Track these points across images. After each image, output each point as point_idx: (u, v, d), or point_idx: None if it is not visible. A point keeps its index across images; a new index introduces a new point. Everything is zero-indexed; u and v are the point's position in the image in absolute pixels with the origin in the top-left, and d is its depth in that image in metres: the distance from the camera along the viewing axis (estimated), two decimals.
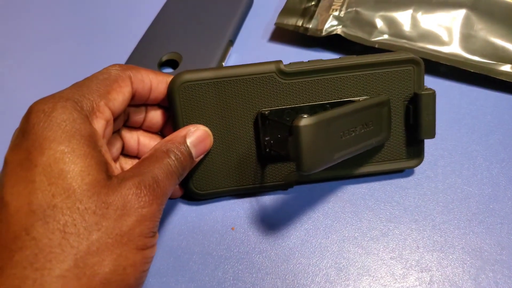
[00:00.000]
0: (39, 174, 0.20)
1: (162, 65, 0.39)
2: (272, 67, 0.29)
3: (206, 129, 0.28)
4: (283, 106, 0.29)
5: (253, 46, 0.42)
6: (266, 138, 0.29)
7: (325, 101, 0.29)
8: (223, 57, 0.39)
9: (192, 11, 0.42)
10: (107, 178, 0.21)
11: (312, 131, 0.23)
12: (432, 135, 0.30)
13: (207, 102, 0.29)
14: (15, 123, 0.38)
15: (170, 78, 0.29)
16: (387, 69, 0.29)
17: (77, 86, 0.24)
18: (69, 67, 0.42)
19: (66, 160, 0.20)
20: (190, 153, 0.26)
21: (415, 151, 0.31)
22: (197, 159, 0.28)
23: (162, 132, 0.31)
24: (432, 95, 0.29)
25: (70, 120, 0.21)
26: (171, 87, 0.28)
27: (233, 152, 0.30)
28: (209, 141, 0.29)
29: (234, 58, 0.41)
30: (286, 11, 0.41)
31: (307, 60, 0.29)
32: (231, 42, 0.40)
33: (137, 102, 0.28)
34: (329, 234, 0.31)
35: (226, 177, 0.30)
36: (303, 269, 0.29)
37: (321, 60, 0.29)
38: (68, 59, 0.42)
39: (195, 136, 0.27)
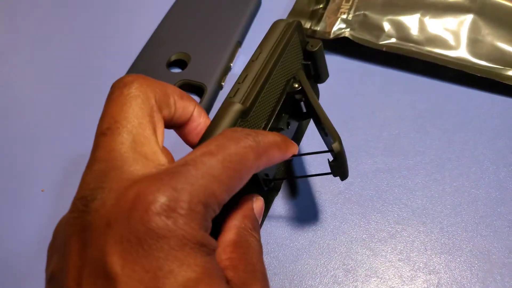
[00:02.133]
0: None
1: (171, 65, 0.39)
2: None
3: (261, 198, 0.25)
4: None
5: None
6: (264, 174, 0.27)
7: (275, 107, 0.27)
8: (231, 58, 0.39)
9: (201, 12, 0.42)
10: None
11: (343, 146, 0.25)
12: (328, 75, 0.31)
13: None
14: (24, 120, 0.38)
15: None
16: (289, 50, 0.27)
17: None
18: (77, 66, 0.42)
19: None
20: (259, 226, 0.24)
21: (316, 91, 0.33)
22: None
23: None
24: (321, 46, 0.29)
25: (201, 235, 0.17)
26: None
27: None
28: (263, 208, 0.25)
29: (242, 59, 0.41)
30: (294, 13, 0.41)
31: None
32: (239, 43, 0.40)
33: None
34: (337, 235, 0.31)
35: None
36: (311, 270, 0.29)
37: (247, 72, 0.25)
38: (76, 58, 0.43)
39: (258, 207, 0.24)
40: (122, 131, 0.18)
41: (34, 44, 0.44)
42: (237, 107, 0.23)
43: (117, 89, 0.20)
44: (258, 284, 0.19)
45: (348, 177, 0.33)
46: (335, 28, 0.40)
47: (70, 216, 0.18)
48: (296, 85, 0.27)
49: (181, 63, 0.39)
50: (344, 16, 0.40)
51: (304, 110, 0.28)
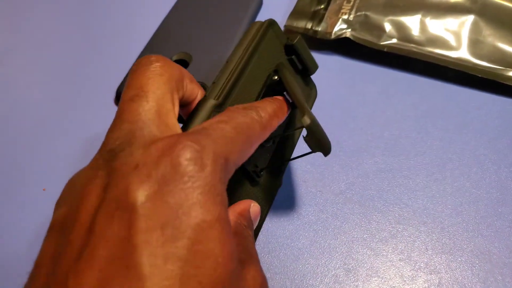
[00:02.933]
0: (186, 262, 0.16)
1: None
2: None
3: (258, 205, 0.26)
4: None
5: None
6: (254, 165, 0.28)
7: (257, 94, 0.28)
8: None
9: (202, 12, 0.42)
10: (236, 268, 0.18)
11: (315, 119, 0.25)
12: (317, 65, 0.32)
13: None
14: (25, 122, 0.38)
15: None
16: (264, 46, 0.28)
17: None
18: (78, 66, 0.42)
19: (213, 238, 0.17)
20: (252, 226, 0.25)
21: (309, 84, 0.33)
22: None
23: None
24: (301, 38, 0.30)
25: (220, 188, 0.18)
26: None
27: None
28: (259, 215, 0.26)
29: None
30: (295, 14, 0.42)
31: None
32: None
33: None
34: (338, 235, 0.31)
35: None
36: (312, 270, 0.29)
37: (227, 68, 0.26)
38: (77, 58, 0.43)
39: (255, 211, 0.25)
40: (149, 99, 0.20)
41: (33, 44, 0.44)
42: (210, 102, 0.24)
43: (143, 64, 0.21)
44: (255, 265, 0.21)
45: (349, 177, 0.33)
46: (336, 29, 0.40)
47: (93, 164, 0.18)
48: (276, 77, 0.28)
49: (183, 63, 0.39)
50: (345, 17, 0.40)
51: (291, 101, 0.29)
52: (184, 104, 0.24)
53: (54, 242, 0.18)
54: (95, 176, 0.18)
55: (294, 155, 0.31)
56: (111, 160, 0.18)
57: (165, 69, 0.21)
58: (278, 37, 0.29)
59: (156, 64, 0.21)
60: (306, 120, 0.24)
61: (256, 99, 0.27)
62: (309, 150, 0.25)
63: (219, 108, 0.24)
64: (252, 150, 0.21)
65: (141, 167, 0.17)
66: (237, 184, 0.26)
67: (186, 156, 0.17)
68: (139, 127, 0.19)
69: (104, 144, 0.19)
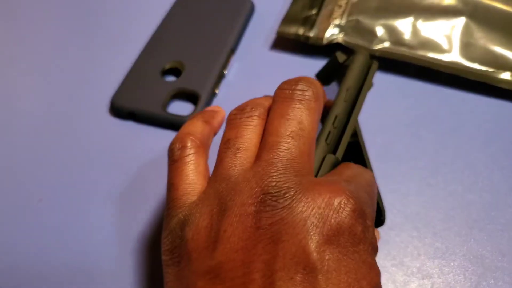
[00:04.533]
0: None
1: (165, 73, 0.40)
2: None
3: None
4: None
5: (255, 55, 0.42)
6: None
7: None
8: (224, 66, 0.39)
9: (195, 20, 0.42)
10: None
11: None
12: None
13: None
14: (18, 131, 0.39)
15: None
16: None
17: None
18: (71, 75, 0.42)
19: None
20: None
21: None
22: None
23: None
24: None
25: None
26: None
27: None
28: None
29: (235, 67, 0.41)
30: (287, 20, 0.42)
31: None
32: (233, 51, 0.41)
33: None
34: None
35: None
36: None
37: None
38: (69, 67, 0.43)
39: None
40: (312, 137, 0.21)
41: (25, 53, 0.44)
42: (333, 159, 0.24)
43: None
44: None
45: None
46: (328, 34, 0.40)
47: (250, 208, 0.18)
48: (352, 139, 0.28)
49: (176, 71, 0.40)
50: (337, 22, 0.40)
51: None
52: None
53: None
54: (258, 225, 0.17)
55: None
56: (277, 208, 0.17)
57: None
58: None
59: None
60: (385, 220, 0.27)
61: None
62: None
63: (334, 166, 0.24)
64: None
65: (315, 223, 0.17)
66: None
67: (358, 219, 0.17)
68: (301, 168, 0.19)
69: (262, 180, 0.18)
